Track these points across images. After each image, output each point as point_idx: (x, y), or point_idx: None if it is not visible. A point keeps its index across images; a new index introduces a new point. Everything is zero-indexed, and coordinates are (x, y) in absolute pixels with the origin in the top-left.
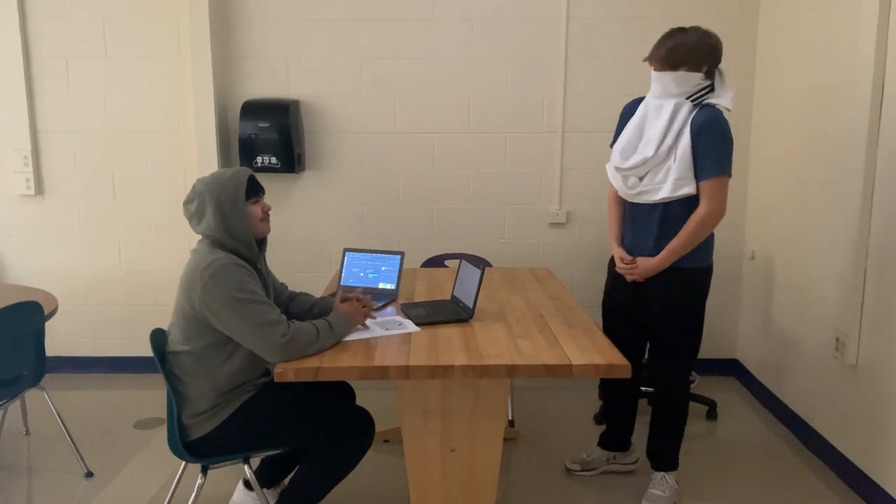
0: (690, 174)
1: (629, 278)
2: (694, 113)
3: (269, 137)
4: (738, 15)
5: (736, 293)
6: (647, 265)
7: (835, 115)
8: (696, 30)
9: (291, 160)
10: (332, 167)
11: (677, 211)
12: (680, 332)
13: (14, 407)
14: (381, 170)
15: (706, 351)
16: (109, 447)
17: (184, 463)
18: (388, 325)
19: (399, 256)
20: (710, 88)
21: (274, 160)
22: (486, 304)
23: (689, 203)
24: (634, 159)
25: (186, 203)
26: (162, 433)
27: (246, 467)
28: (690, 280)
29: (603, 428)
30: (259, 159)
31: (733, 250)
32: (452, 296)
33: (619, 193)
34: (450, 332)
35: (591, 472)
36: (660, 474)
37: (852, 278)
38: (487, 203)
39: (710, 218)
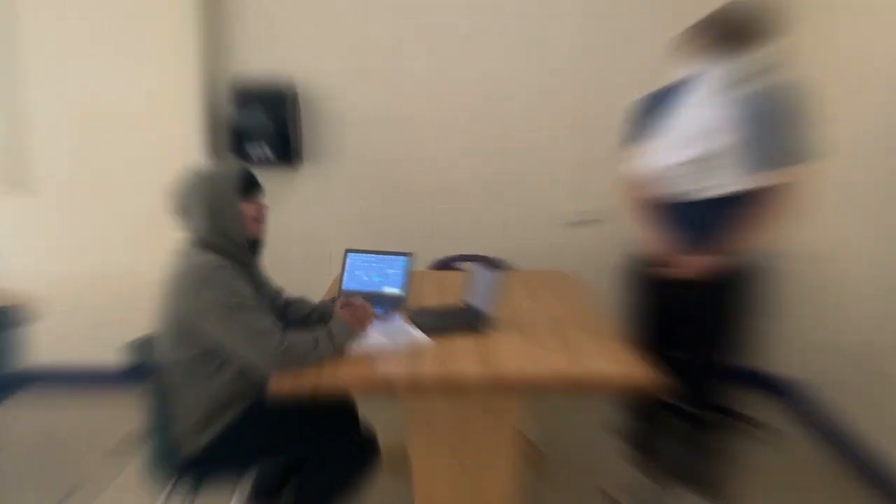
0: (754, 165)
1: (685, 276)
2: (753, 95)
3: (264, 128)
4: None
5: (785, 301)
6: (709, 263)
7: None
8: (742, 4)
9: (288, 152)
10: (333, 159)
11: (733, 206)
12: (724, 339)
13: None
14: (386, 162)
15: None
16: (89, 466)
17: (169, 484)
18: (394, 335)
19: (406, 258)
20: (767, 66)
21: (269, 152)
22: (501, 311)
23: (748, 197)
24: (693, 152)
25: (174, 197)
26: (145, 453)
27: (237, 489)
28: (740, 281)
29: (630, 448)
30: (253, 151)
31: (784, 252)
32: (465, 302)
33: (664, 192)
34: (462, 342)
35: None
36: (691, 497)
37: None
38: (502, 200)
39: (782, 211)
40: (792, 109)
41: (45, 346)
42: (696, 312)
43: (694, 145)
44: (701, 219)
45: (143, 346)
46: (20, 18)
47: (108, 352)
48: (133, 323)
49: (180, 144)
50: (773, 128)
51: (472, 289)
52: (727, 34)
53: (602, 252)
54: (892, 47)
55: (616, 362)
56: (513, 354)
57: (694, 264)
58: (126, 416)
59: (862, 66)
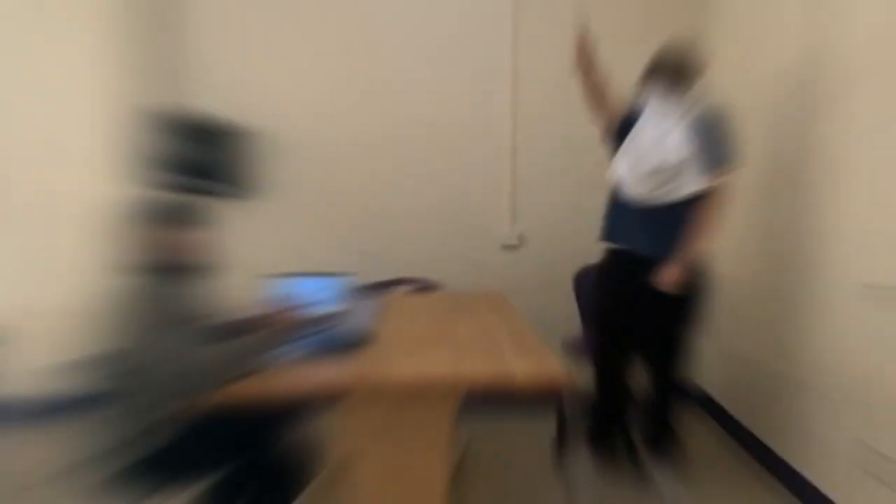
0: (703, 169)
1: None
2: (697, 114)
3: (208, 160)
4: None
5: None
6: (678, 271)
7: (787, 139)
8: (681, 45)
9: (232, 184)
10: (276, 191)
11: (690, 209)
12: (685, 333)
13: None
14: (327, 193)
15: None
16: (33, 493)
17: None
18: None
19: (342, 279)
20: (701, 95)
21: (213, 184)
22: (433, 327)
23: (701, 200)
24: (655, 163)
25: (113, 225)
26: (96, 471)
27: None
28: (696, 279)
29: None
30: (196, 183)
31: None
32: (344, 325)
33: (637, 198)
34: (391, 353)
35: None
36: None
37: (783, 294)
38: (438, 225)
39: (721, 205)
40: (722, 126)
41: None
42: (667, 308)
43: (661, 157)
44: (662, 221)
45: (77, 369)
46: None
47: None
48: (54, 353)
49: (108, 177)
50: (712, 141)
51: (353, 312)
52: (671, 74)
53: (539, 275)
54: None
55: (534, 365)
56: (440, 361)
57: (673, 275)
58: (63, 447)
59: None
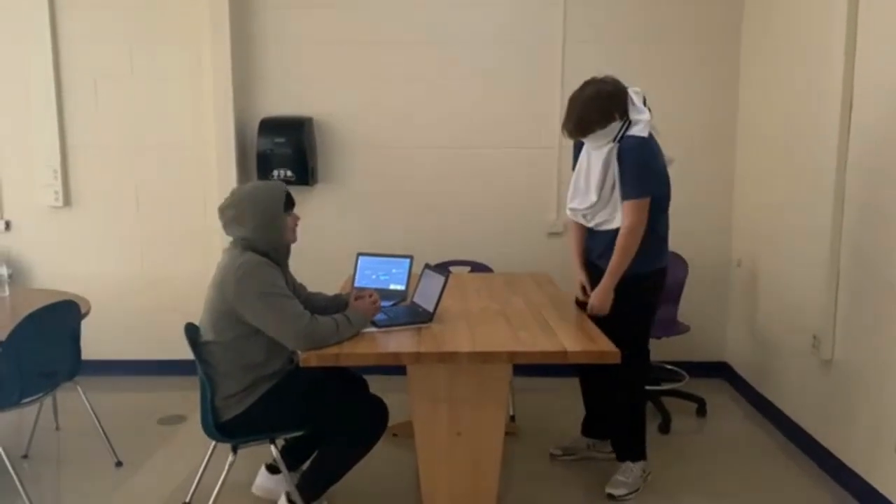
0: (624, 197)
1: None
2: (617, 148)
3: (284, 152)
4: (720, 37)
5: (724, 299)
6: (599, 296)
7: (811, 132)
8: (590, 88)
9: (306, 173)
10: (344, 180)
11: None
12: (625, 332)
13: (45, 404)
14: (391, 182)
15: (697, 354)
16: (136, 440)
17: (213, 444)
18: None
19: (408, 260)
20: (627, 122)
21: (289, 173)
22: (489, 303)
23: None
24: (584, 203)
25: (225, 209)
26: (185, 428)
27: (273, 448)
28: (633, 285)
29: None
30: (275, 172)
31: (721, 259)
32: (412, 301)
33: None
34: (455, 325)
35: (571, 457)
36: (626, 463)
37: (827, 281)
38: (491, 214)
39: (632, 233)
40: (642, 154)
41: (86, 342)
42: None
43: (587, 198)
44: (603, 242)
45: (193, 329)
46: (66, 50)
47: (145, 347)
48: (168, 321)
49: (214, 167)
50: (629, 169)
51: (420, 290)
52: (584, 125)
53: None
54: None
55: (583, 339)
56: (496, 333)
57: (597, 302)
58: (166, 401)
59: (766, 108)
